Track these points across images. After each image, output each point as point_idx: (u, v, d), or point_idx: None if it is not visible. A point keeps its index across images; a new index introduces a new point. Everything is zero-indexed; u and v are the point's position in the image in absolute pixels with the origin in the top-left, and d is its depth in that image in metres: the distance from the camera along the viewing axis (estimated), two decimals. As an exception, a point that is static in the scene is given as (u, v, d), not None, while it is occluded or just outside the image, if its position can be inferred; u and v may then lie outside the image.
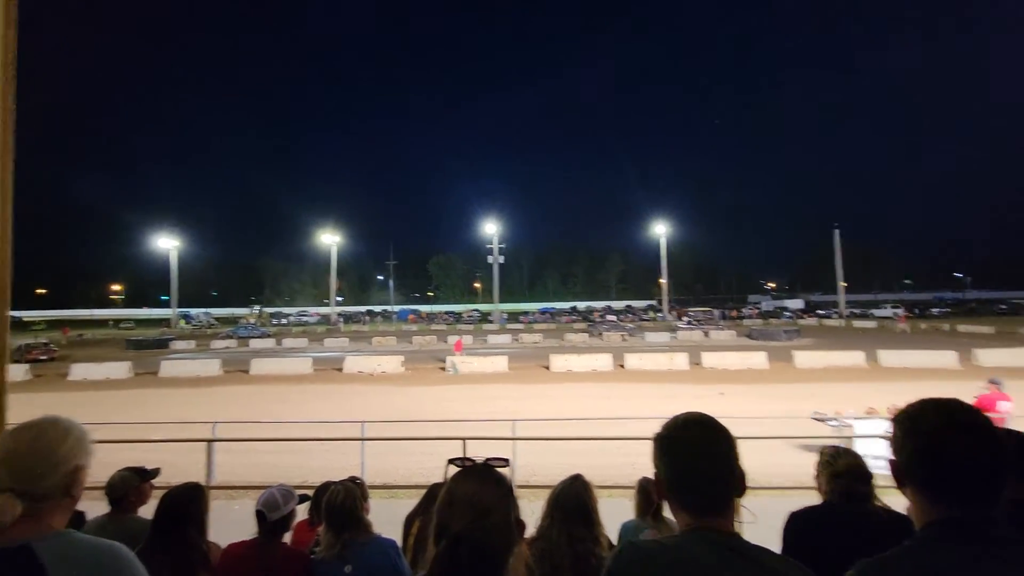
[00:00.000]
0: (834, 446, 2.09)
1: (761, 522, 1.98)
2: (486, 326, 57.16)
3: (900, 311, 53.91)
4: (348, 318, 72.75)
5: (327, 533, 2.19)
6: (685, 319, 52.14)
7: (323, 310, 79.03)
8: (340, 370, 23.48)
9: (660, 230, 67.02)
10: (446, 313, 75.47)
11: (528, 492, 6.84)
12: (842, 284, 65.34)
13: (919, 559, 0.94)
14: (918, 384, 15.86)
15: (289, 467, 8.65)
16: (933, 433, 0.97)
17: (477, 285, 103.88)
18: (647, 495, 2.57)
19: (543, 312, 71.37)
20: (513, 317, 65.45)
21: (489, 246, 63.33)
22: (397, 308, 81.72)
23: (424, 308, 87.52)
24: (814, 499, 2.07)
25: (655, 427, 1.18)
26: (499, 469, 1.12)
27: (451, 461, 1.16)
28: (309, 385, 20.15)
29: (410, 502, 2.60)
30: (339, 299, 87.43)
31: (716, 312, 58.10)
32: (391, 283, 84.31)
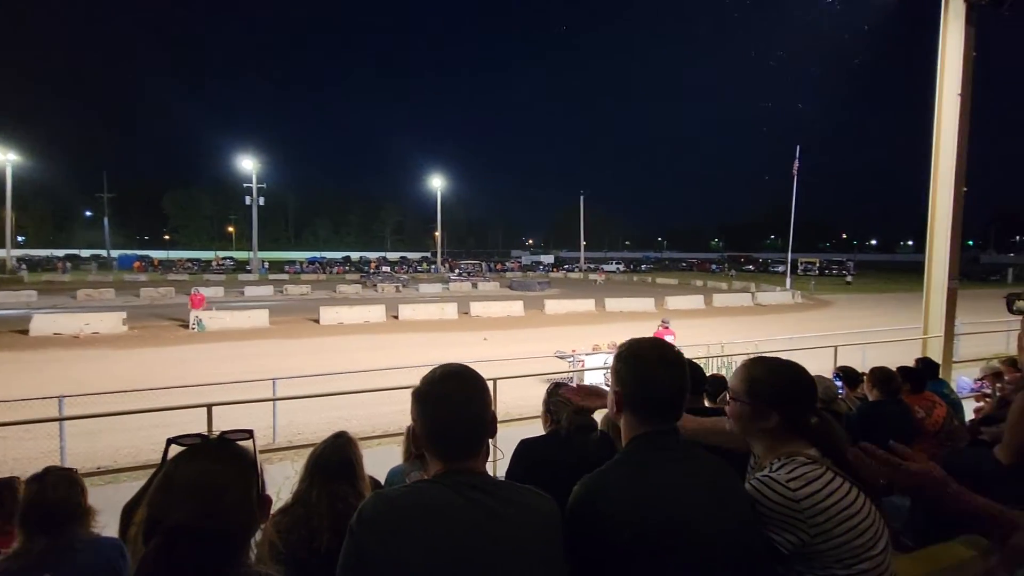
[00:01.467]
0: (556, 382, 2.44)
1: (511, 446, 2.22)
2: (243, 276, 50.33)
3: (601, 268, 66.93)
4: (35, 264, 55.12)
5: (28, 537, 1.69)
6: (457, 271, 54.89)
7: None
8: (25, 332, 17.80)
9: (437, 183, 68.03)
10: (189, 261, 63.54)
11: (291, 453, 6.45)
12: (583, 243, 77.48)
13: (631, 465, 1.17)
14: (629, 324, 20.10)
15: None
16: (649, 367, 1.21)
17: (231, 229, 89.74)
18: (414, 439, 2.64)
19: (312, 262, 66.13)
20: (277, 267, 58.93)
21: (247, 184, 54.80)
22: (116, 253, 65.23)
23: (157, 254, 71.98)
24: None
25: (422, 374, 1.16)
26: (240, 443, 0.95)
27: (173, 440, 0.93)
28: (-32, 354, 14.78)
29: (137, 485, 2.14)
30: (20, 239, 65.30)
31: (484, 265, 62.61)
32: (106, 221, 66.22)
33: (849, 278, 50.58)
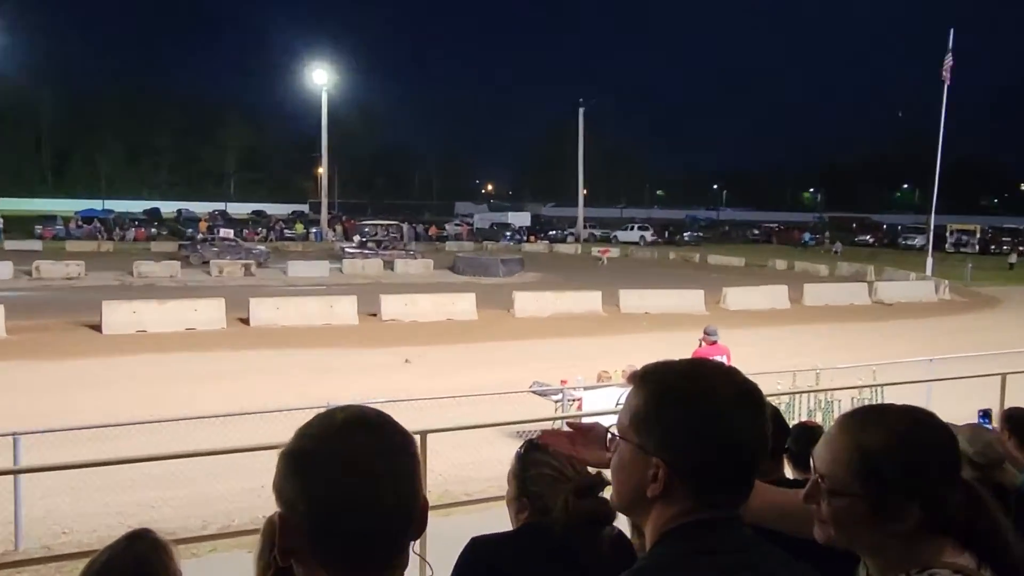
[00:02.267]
0: (530, 440, 2.47)
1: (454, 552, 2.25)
2: (-44, 245, 48.85)
3: (613, 236, 70.43)
4: None
5: None
6: (358, 238, 54.24)
7: None
8: None
9: (321, 79, 66.94)
10: None
11: (51, 570, 6.36)
12: (582, 192, 77.91)
13: None
14: (662, 337, 20.43)
15: None
16: (723, 411, 1.19)
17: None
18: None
19: (87, 217, 64.78)
20: (21, 226, 57.81)
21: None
22: None
23: None
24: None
25: (295, 424, 1.17)
26: None
27: None
28: None
29: None
30: None
31: (407, 228, 61.95)
32: None
33: (1013, 258, 51.90)
